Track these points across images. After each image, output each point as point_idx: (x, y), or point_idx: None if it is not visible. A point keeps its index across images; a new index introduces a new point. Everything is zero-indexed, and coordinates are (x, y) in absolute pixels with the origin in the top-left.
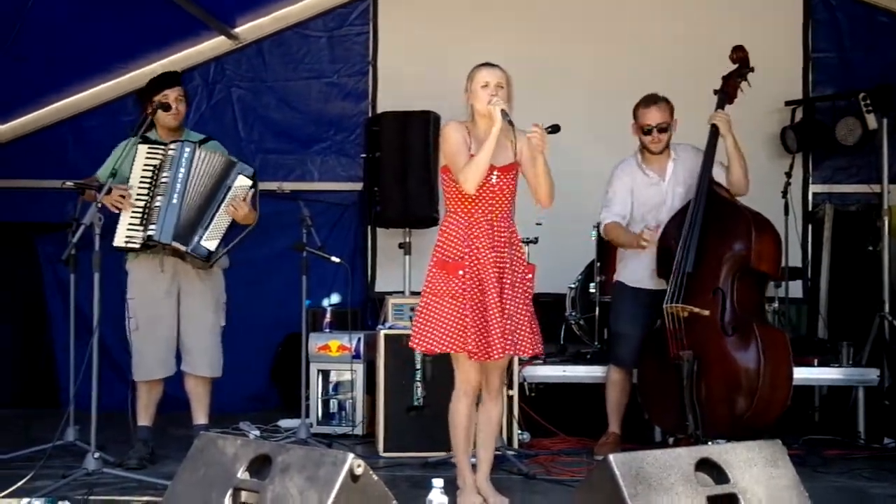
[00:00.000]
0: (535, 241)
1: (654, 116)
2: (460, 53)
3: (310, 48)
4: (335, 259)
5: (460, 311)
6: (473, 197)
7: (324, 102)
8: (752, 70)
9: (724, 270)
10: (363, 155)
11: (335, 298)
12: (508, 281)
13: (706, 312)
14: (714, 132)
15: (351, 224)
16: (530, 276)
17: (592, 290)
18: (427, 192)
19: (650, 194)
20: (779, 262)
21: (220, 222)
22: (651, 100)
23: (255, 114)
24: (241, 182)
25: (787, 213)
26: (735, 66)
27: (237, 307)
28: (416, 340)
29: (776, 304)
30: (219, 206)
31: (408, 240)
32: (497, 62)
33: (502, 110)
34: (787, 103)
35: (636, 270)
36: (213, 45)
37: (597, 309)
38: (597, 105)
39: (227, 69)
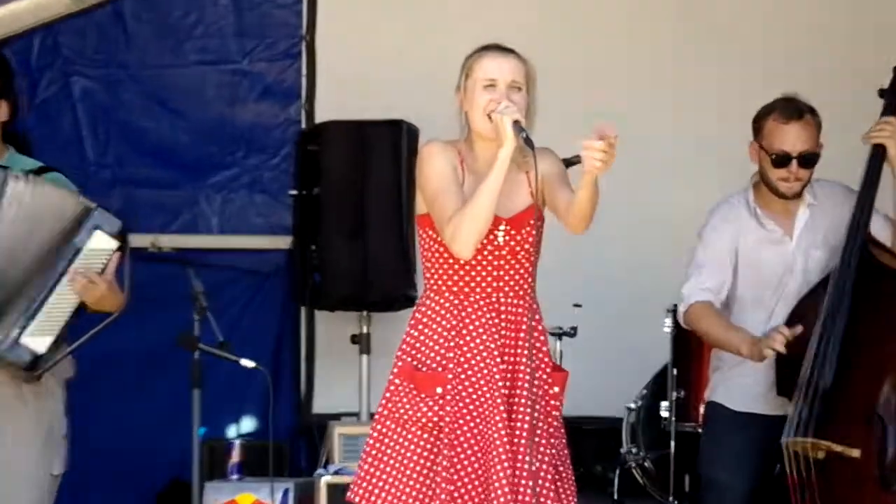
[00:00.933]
0: (573, 332)
1: (795, 138)
2: (449, 26)
3: (203, 13)
4: (247, 362)
5: (433, 451)
6: (468, 265)
7: (227, 104)
8: None
9: (886, 385)
10: (293, 192)
11: (247, 425)
12: (525, 399)
13: (855, 453)
14: (877, 157)
15: (273, 304)
16: (556, 389)
17: (665, 414)
18: (399, 252)
19: (769, 259)
20: None
21: (58, 307)
22: (793, 110)
23: (110, 120)
24: (99, 242)
25: None
26: None
27: (86, 439)
28: (359, 490)
29: None
30: (57, 281)
31: (366, 330)
32: (509, 41)
33: (516, 122)
34: None
35: (743, 385)
36: (38, 3)
37: (672, 443)
38: (665, 115)
39: (64, 45)
